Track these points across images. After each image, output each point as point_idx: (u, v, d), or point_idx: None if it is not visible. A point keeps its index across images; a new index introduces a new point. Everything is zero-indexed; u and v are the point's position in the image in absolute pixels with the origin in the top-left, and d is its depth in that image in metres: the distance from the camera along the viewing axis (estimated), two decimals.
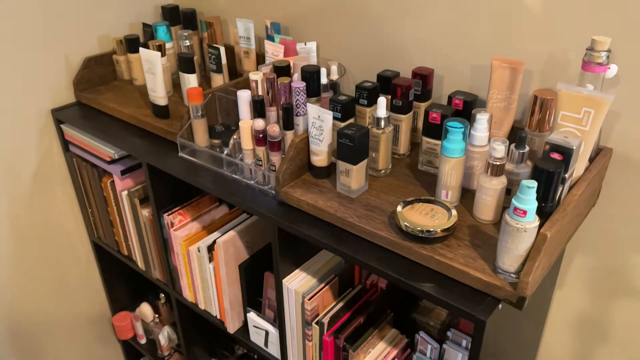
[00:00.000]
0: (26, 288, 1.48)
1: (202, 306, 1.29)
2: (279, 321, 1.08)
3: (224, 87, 1.14)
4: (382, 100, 0.89)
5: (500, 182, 0.77)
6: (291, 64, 1.04)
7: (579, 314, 1.08)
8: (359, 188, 0.89)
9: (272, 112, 0.99)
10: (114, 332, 1.75)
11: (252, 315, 1.19)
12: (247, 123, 0.96)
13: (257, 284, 1.19)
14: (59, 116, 1.35)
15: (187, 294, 1.32)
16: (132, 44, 1.33)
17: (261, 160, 0.98)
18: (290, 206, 0.92)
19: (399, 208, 0.81)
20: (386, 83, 1.00)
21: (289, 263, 1.01)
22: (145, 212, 1.30)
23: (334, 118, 0.93)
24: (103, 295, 1.69)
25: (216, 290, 1.20)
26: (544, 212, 0.72)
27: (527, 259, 0.68)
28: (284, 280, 1.00)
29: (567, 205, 0.73)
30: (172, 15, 1.40)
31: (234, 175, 1.02)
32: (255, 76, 1.01)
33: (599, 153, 0.87)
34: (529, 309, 0.76)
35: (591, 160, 0.84)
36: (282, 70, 1.02)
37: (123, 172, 1.29)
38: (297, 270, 1.03)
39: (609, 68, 0.79)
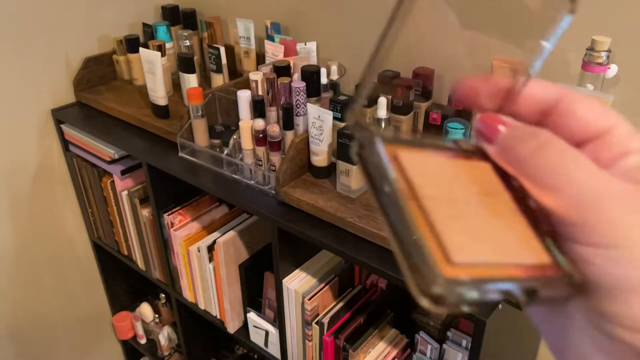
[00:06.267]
0: (26, 288, 1.48)
1: (202, 306, 1.29)
2: (279, 321, 1.08)
3: (224, 87, 1.13)
4: (382, 101, 0.88)
5: None
6: (291, 64, 1.04)
7: None
8: (359, 188, 0.89)
9: (272, 112, 0.99)
10: (114, 332, 1.75)
11: (252, 315, 1.19)
12: (247, 123, 0.96)
13: (257, 284, 1.19)
14: (59, 116, 1.35)
15: (187, 294, 1.32)
16: (132, 44, 1.32)
17: (261, 160, 0.98)
18: (290, 206, 0.92)
19: None
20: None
21: (289, 263, 1.01)
22: (145, 212, 1.30)
23: (334, 118, 0.93)
24: (103, 295, 1.69)
25: (216, 290, 1.20)
26: None
27: None
28: (284, 280, 1.00)
29: None
30: (172, 15, 1.40)
31: (234, 175, 1.02)
32: (255, 76, 1.01)
33: None
34: None
35: None
36: (282, 70, 1.02)
37: (123, 172, 1.29)
38: (297, 270, 1.02)
39: (609, 68, 0.79)
